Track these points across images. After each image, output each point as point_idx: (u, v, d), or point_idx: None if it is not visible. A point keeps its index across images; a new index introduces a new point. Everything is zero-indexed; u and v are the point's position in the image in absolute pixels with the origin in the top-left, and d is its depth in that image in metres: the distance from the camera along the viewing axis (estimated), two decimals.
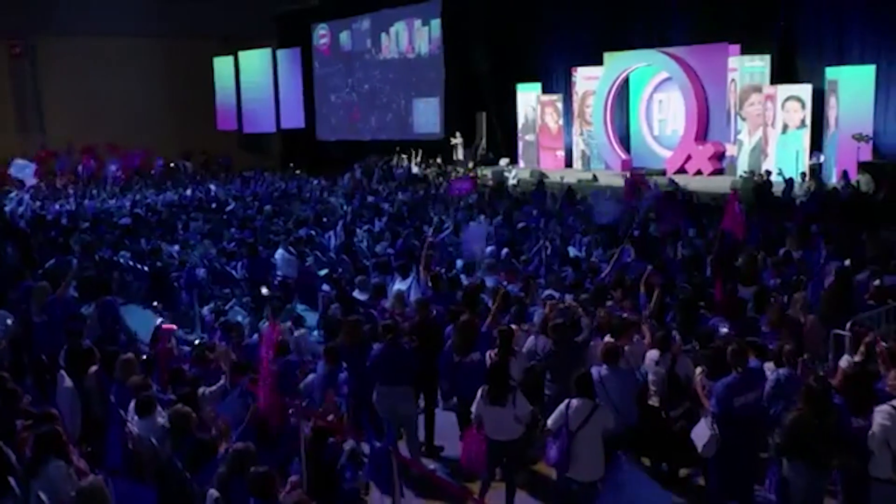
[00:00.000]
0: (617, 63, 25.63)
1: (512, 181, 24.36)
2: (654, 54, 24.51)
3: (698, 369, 6.64)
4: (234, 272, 12.88)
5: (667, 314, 9.13)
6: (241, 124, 39.08)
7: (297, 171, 29.47)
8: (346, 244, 14.07)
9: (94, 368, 7.74)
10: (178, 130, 37.12)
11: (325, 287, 11.31)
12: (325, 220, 16.99)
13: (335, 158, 33.40)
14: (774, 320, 8.05)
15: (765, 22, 22.56)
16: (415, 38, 33.57)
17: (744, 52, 22.80)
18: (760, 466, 6.32)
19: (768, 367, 6.65)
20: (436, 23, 32.29)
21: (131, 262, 13.71)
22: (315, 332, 10.51)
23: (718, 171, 23.41)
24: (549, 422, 6.16)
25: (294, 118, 37.25)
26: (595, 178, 22.76)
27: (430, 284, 9.80)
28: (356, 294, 10.56)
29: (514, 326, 7.73)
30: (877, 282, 9.47)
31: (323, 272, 13.00)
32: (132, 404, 7.04)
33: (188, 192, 24.79)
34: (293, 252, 12.73)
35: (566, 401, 6.10)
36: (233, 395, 7.28)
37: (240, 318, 11.34)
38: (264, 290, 9.54)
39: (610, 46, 25.81)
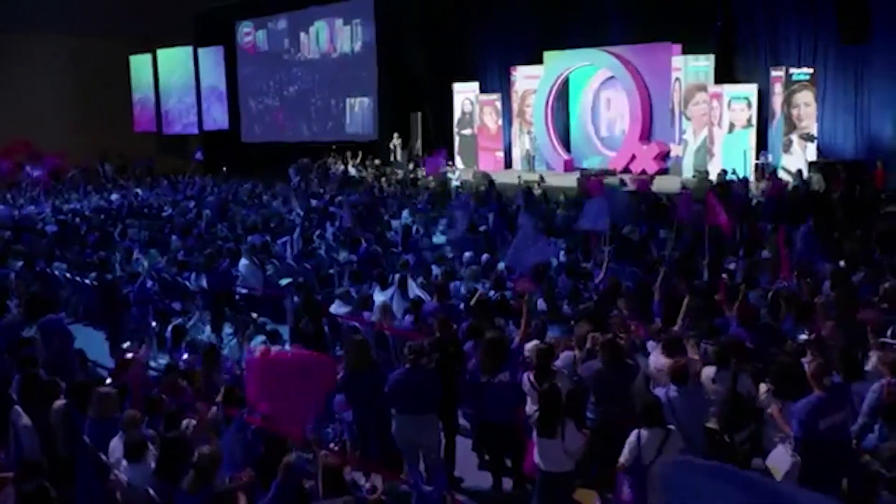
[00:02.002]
0: (558, 62, 25.27)
1: (455, 183, 23.71)
2: (597, 53, 24.22)
3: (762, 387, 6.05)
4: (187, 284, 11.79)
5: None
6: (160, 126, 37.27)
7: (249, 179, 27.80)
8: (309, 251, 13.10)
9: (59, 403, 6.65)
10: (93, 132, 35.06)
11: (297, 298, 10.32)
12: (272, 225, 15.95)
13: (262, 161, 32.11)
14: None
15: (704, 22, 22.54)
16: (336, 37, 32.70)
17: (685, 51, 22.72)
18: (846, 496, 5.74)
19: None
20: (359, 21, 31.46)
21: (68, 275, 12.44)
22: (286, 347, 9.59)
23: (663, 171, 23.25)
24: (622, 458, 5.48)
25: (217, 119, 35.73)
26: (542, 178, 22.25)
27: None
28: (337, 306, 9.68)
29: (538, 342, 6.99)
30: (886, 284, 9.12)
31: (285, 282, 12.07)
32: (113, 445, 6.04)
33: (113, 196, 23.22)
34: (257, 262, 11.70)
35: (635, 432, 5.44)
36: (230, 431, 6.33)
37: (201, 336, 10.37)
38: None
39: (549, 45, 25.43)
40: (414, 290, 9.80)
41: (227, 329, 10.66)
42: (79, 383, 6.76)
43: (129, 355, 8.16)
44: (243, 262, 11.53)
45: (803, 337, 6.79)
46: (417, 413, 6.48)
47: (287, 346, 9.65)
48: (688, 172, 22.28)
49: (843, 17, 18.75)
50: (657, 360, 6.63)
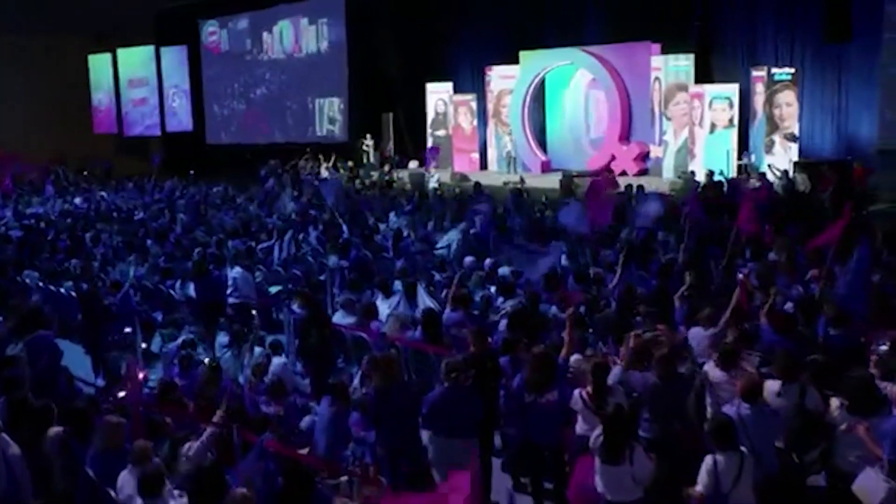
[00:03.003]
0: (534, 62, 24.90)
1: (433, 184, 23.16)
2: (575, 52, 23.90)
3: (833, 402, 5.62)
4: (171, 293, 11.09)
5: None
6: (121, 127, 36.16)
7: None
8: (298, 257, 12.46)
9: (56, 430, 5.97)
10: (49, 134, 33.86)
11: (298, 308, 9.66)
12: (253, 229, 15.24)
13: (228, 164, 31.23)
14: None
15: (683, 21, 22.38)
16: (301, 37, 32.04)
17: (664, 51, 22.49)
18: None
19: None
20: (325, 20, 30.84)
21: (40, 284, 11.65)
22: (283, 358, 8.96)
23: (643, 172, 23.00)
24: (699, 487, 5.00)
25: (181, 121, 34.76)
26: (523, 180, 21.82)
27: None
28: (341, 316, 9.09)
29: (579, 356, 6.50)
30: None
31: (274, 289, 11.45)
32: (122, 479, 5.42)
33: (77, 200, 22.24)
34: (253, 271, 11.05)
35: (710, 457, 4.97)
36: (249, 459, 5.73)
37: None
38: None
39: (525, 45, 25.05)
40: (424, 298, 9.25)
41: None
42: (78, 409, 6.09)
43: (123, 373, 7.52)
44: (237, 269, 10.84)
45: (884, 347, 6.36)
46: (458, 436, 5.94)
47: (284, 358, 9.04)
48: (668, 173, 22.06)
49: (828, 17, 18.62)
50: (712, 372, 6.18)
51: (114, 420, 5.79)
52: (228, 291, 10.51)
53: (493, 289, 10.04)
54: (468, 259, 11.15)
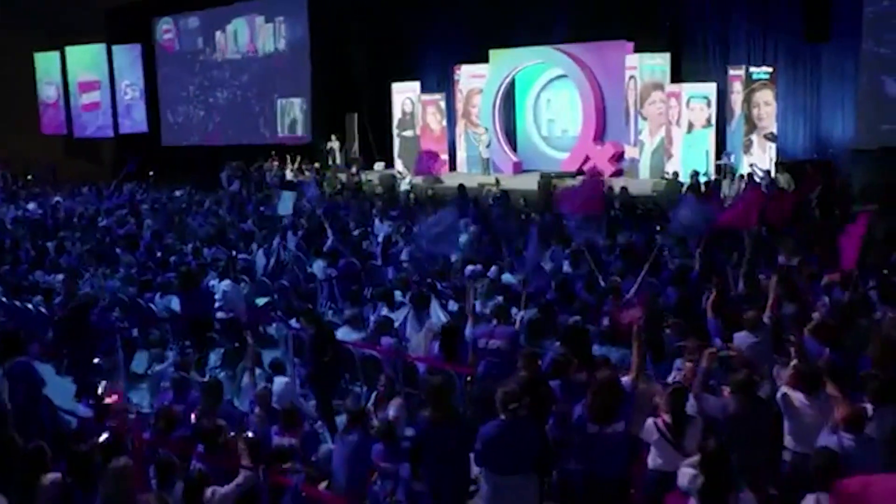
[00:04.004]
0: (505, 60, 24.38)
1: (405, 187, 22.50)
2: (547, 51, 23.45)
3: None
4: (152, 307, 10.24)
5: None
6: (70, 129, 34.71)
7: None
8: (283, 265, 11.69)
9: (52, 477, 5.17)
10: None
11: (294, 323, 8.92)
12: (231, 237, 14.38)
13: (186, 166, 30.09)
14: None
15: (656, 20, 22.14)
16: (258, 35, 31.11)
17: (637, 50, 22.16)
18: None
19: None
20: (282, 19, 29.97)
21: (3, 299, 10.71)
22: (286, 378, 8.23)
23: (618, 173, 22.62)
24: None
25: (136, 122, 33.51)
26: (498, 182, 21.29)
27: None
28: (345, 333, 8.39)
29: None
30: None
31: (261, 301, 10.69)
32: None
33: (30, 206, 21.02)
34: (238, 282, 10.23)
35: (812, 498, 4.42)
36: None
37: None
38: None
39: (495, 43, 24.52)
40: (437, 311, 8.60)
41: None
42: (80, 453, 5.30)
43: (112, 401, 6.73)
44: (226, 281, 10.02)
45: None
46: (517, 473, 5.29)
47: (283, 378, 8.30)
48: (645, 174, 21.72)
49: (809, 14, 18.48)
50: (792, 395, 5.64)
51: (120, 463, 4.99)
52: (216, 306, 9.73)
53: (500, 298, 9.46)
54: (469, 268, 10.50)
